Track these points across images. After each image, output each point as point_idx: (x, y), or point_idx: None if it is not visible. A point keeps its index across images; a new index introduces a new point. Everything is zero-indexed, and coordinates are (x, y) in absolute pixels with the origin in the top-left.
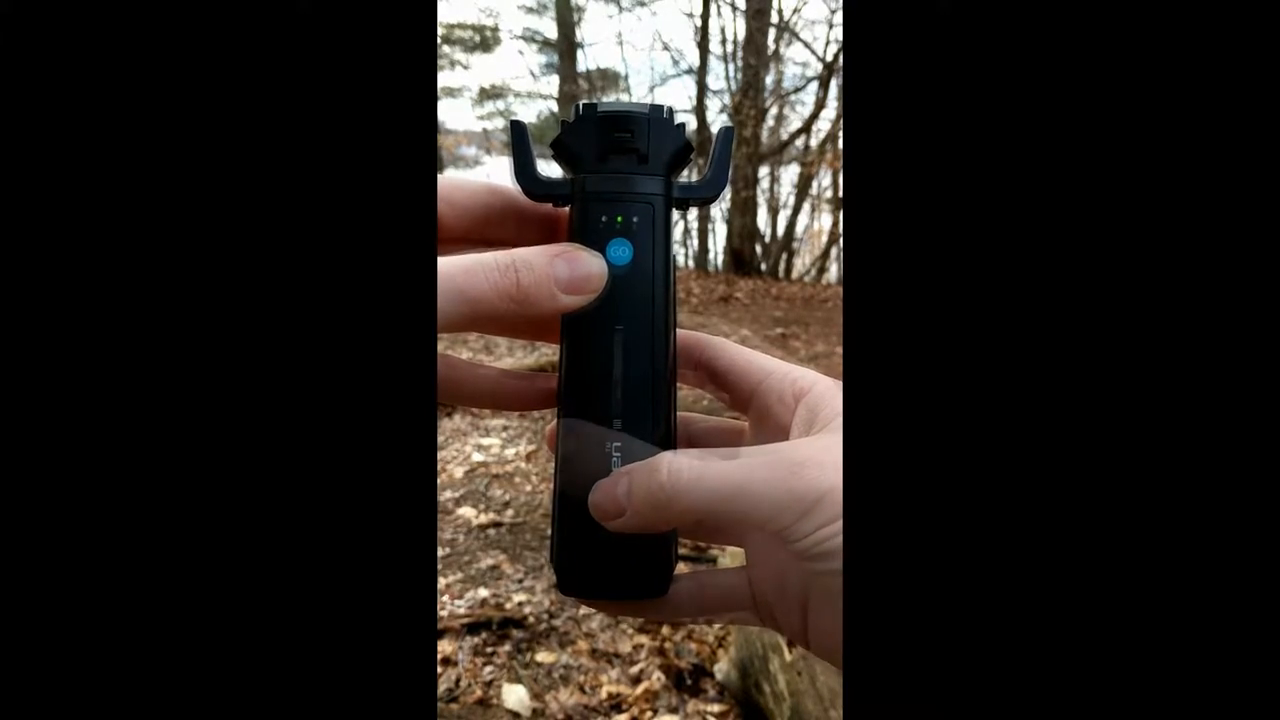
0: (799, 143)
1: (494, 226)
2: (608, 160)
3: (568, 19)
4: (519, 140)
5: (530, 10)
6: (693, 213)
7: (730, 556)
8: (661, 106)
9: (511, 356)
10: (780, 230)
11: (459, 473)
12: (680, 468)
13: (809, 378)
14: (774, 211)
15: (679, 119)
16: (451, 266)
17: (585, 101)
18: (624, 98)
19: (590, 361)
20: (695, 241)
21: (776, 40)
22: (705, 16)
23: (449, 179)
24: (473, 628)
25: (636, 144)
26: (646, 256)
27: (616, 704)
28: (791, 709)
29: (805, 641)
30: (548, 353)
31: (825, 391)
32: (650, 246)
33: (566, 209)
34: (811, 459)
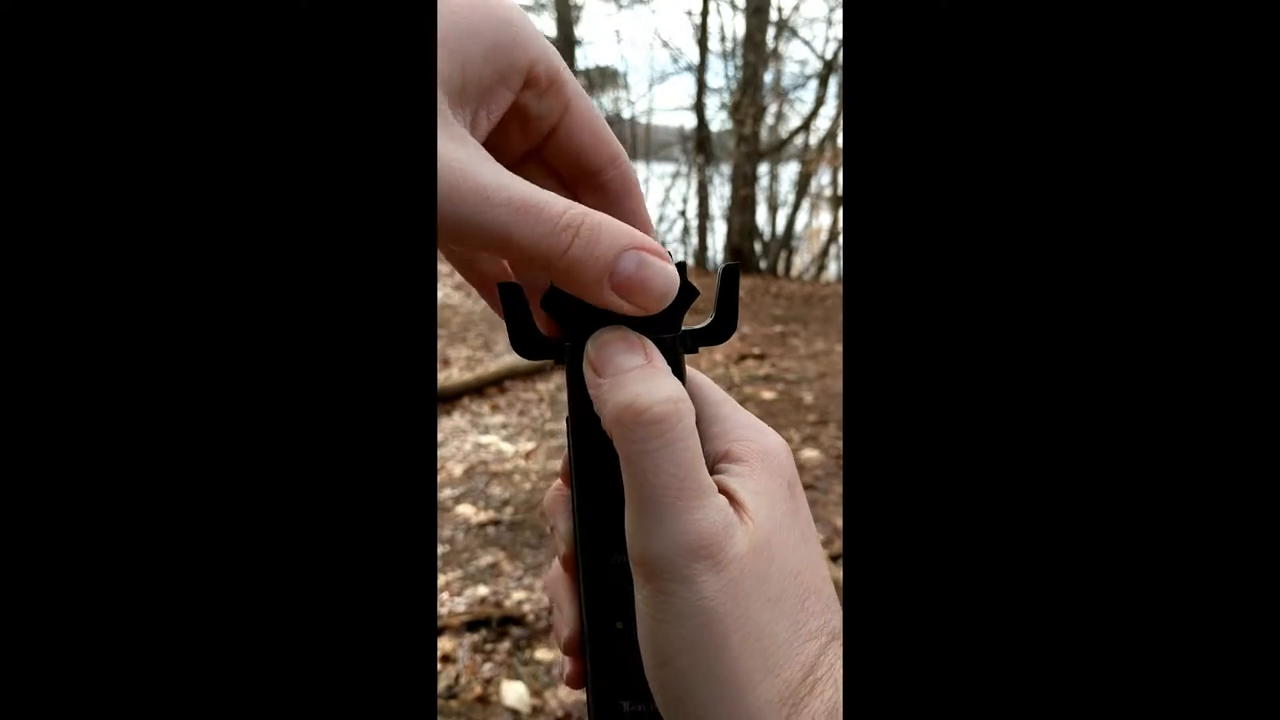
0: (798, 140)
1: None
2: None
3: (566, 17)
4: (510, 304)
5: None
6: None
7: None
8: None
9: (511, 355)
10: (780, 228)
11: (458, 470)
12: None
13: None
14: (773, 209)
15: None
16: (506, 191)
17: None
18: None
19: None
20: (695, 240)
21: (775, 38)
22: (704, 14)
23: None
24: (472, 625)
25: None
26: None
27: None
28: None
29: None
30: None
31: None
32: None
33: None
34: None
